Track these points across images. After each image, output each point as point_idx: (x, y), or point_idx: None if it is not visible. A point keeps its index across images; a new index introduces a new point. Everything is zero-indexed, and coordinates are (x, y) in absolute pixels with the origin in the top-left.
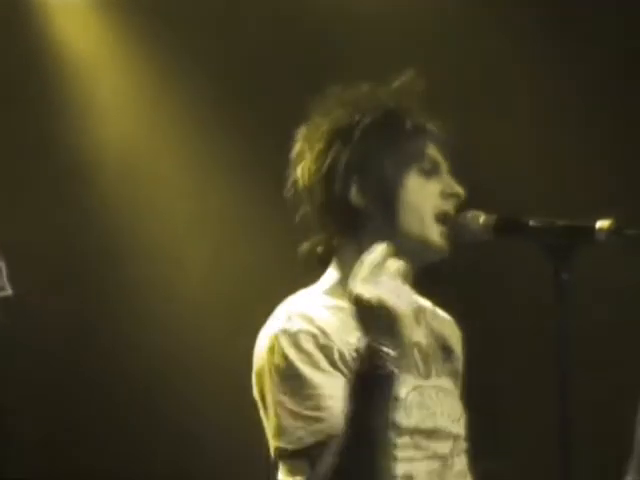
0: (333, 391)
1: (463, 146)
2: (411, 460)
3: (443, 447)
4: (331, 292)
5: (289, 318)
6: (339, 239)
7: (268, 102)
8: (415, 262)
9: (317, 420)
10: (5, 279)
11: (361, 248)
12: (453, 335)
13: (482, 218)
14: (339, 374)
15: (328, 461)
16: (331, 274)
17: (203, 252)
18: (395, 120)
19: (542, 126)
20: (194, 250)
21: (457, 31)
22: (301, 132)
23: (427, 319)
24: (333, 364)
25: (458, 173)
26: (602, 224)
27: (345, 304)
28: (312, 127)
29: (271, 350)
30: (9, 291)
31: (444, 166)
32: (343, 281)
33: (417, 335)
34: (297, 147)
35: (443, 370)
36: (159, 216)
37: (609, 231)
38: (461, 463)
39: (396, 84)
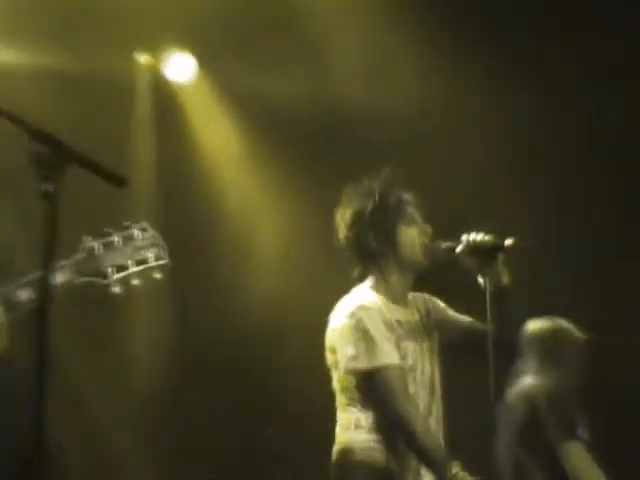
0: (390, 346)
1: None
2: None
3: (425, 394)
4: (374, 290)
5: (361, 301)
6: (367, 265)
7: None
8: (411, 273)
9: (375, 354)
10: (164, 251)
11: (381, 269)
12: (425, 302)
13: (443, 244)
14: (389, 334)
15: None
16: (369, 281)
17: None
18: (387, 200)
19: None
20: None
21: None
22: (339, 212)
23: (417, 303)
24: (387, 327)
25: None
26: (509, 241)
27: (385, 299)
28: (343, 209)
29: (352, 315)
30: (166, 260)
31: (418, 216)
32: (377, 285)
33: (411, 315)
34: (337, 220)
35: (424, 337)
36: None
37: (513, 246)
38: (438, 412)
39: (384, 175)
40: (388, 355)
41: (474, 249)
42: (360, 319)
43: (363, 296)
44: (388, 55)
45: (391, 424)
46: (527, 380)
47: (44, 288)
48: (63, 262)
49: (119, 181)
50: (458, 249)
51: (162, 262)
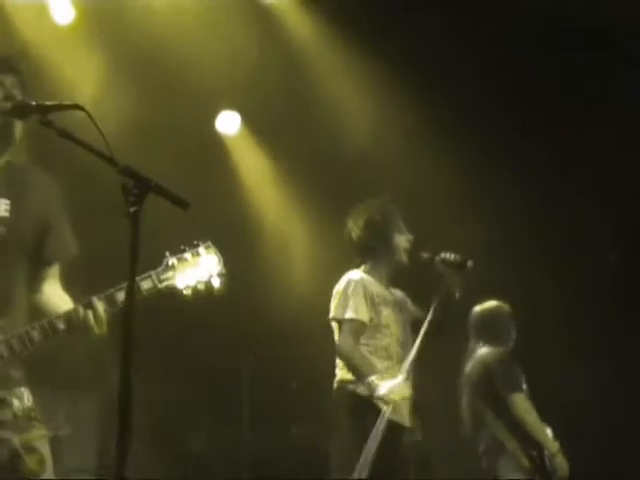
0: (361, 307)
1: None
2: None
3: (397, 346)
4: (367, 272)
5: (350, 276)
6: (366, 258)
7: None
8: (394, 267)
9: (349, 310)
10: (222, 263)
11: (376, 261)
12: (399, 295)
13: (426, 255)
14: (365, 298)
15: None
16: (363, 267)
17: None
18: (383, 215)
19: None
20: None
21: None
22: (353, 218)
23: (394, 295)
24: (367, 299)
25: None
26: (470, 263)
27: (371, 278)
28: (353, 220)
29: (341, 285)
30: (224, 271)
31: (403, 227)
32: (371, 271)
33: (389, 295)
34: (349, 226)
35: (397, 309)
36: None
37: (471, 267)
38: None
39: (382, 199)
40: (357, 313)
41: (446, 262)
42: (346, 287)
43: (352, 274)
44: (385, 119)
45: (339, 356)
46: (482, 350)
47: (132, 291)
48: (150, 272)
49: (184, 204)
50: (436, 259)
51: (221, 272)
